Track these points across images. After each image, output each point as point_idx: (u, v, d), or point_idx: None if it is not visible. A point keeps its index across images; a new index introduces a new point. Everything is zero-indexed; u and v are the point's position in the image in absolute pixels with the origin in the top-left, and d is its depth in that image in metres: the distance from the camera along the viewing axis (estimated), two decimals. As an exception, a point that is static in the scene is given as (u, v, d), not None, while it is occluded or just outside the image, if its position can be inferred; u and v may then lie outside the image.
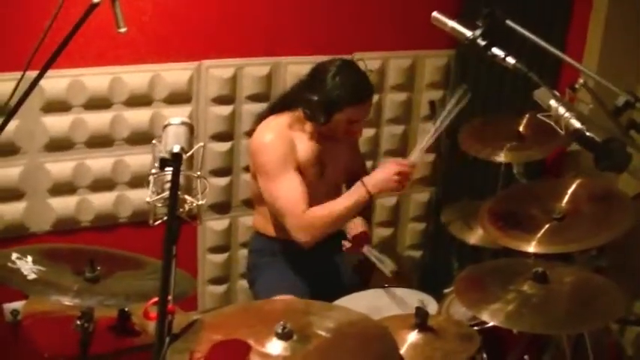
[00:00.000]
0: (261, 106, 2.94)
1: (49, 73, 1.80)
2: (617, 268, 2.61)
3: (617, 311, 2.01)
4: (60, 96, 2.81)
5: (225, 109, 3.09)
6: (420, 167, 3.53)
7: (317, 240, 2.53)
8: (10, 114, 1.84)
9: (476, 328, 2.19)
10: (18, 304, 2.41)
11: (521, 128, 2.96)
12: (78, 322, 1.75)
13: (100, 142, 2.92)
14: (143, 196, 1.56)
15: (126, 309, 1.86)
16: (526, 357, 2.35)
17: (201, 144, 1.63)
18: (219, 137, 3.12)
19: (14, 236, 2.87)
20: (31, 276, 1.72)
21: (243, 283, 3.26)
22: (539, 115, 1.90)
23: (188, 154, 1.52)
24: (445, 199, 3.47)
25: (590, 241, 2.26)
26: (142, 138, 2.95)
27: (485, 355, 2.12)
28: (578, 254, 2.46)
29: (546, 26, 3.25)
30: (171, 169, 1.47)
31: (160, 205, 1.51)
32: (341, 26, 3.19)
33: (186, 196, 1.51)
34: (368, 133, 3.34)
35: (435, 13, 2.00)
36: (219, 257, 3.30)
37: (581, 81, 2.58)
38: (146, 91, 2.94)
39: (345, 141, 2.74)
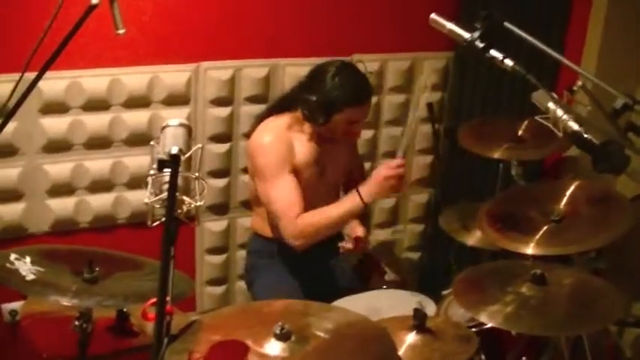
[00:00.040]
0: (259, 108, 2.94)
1: (48, 74, 1.80)
2: (616, 270, 2.62)
3: (615, 313, 2.01)
4: (58, 97, 2.81)
5: (224, 111, 3.09)
6: (417, 168, 3.56)
7: (309, 244, 2.52)
8: (9, 115, 1.84)
9: (474, 329, 2.18)
10: (16, 305, 2.40)
11: (520, 132, 2.97)
12: (76, 323, 1.75)
13: (99, 143, 2.93)
14: (141, 197, 1.56)
15: (124, 310, 1.86)
16: (524, 359, 2.35)
17: (200, 145, 1.63)
18: (217, 139, 3.12)
19: (13, 237, 2.87)
20: (30, 277, 1.73)
21: (242, 284, 3.26)
22: (537, 118, 1.90)
23: (186, 156, 1.52)
24: (444, 200, 3.47)
25: (588, 242, 2.26)
26: (140, 139, 2.95)
27: (483, 357, 2.11)
28: (577, 256, 2.46)
29: (545, 27, 3.26)
30: (169, 170, 1.47)
31: (158, 206, 1.51)
32: (340, 28, 3.19)
33: (185, 198, 1.52)
34: (366, 134, 3.35)
35: (433, 15, 2.00)
36: (218, 258, 3.30)
37: (579, 83, 2.58)
38: (144, 93, 2.94)
39: (344, 142, 2.74)
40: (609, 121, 2.37)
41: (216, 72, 3.03)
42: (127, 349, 1.86)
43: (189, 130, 1.60)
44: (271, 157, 2.55)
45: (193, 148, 1.57)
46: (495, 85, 3.39)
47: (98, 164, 2.95)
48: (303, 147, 2.61)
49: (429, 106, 3.40)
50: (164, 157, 1.49)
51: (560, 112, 1.81)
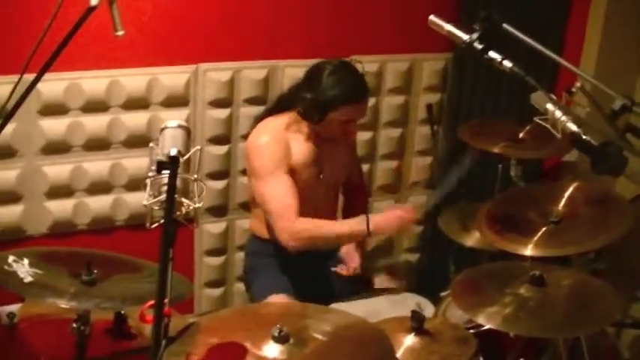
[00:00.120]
0: (258, 110, 2.94)
1: (47, 76, 1.80)
2: (615, 271, 2.62)
3: (614, 315, 2.01)
4: (57, 99, 2.80)
5: (223, 113, 3.09)
6: (416, 169, 3.55)
7: (301, 249, 2.51)
8: (8, 117, 1.84)
9: (472, 331, 2.18)
10: (14, 307, 2.41)
11: (521, 134, 2.97)
12: (74, 325, 1.74)
13: (97, 145, 2.92)
14: (140, 199, 1.56)
15: (122, 312, 1.85)
16: (522, 360, 2.36)
17: (198, 147, 1.63)
18: (216, 140, 3.11)
19: (11, 239, 2.86)
20: (28, 279, 1.72)
21: (240, 286, 3.26)
22: (536, 119, 1.90)
23: (185, 157, 1.52)
24: (443, 202, 3.46)
25: (587, 244, 2.26)
26: (139, 141, 2.95)
27: (481, 359, 2.11)
28: (576, 257, 2.46)
29: (544, 28, 3.26)
30: (168, 172, 1.47)
31: (156, 208, 1.51)
32: (339, 29, 3.19)
33: (183, 199, 1.52)
34: (365, 136, 3.35)
35: (432, 17, 2.00)
36: (216, 260, 3.29)
37: (578, 84, 2.59)
38: (143, 94, 2.93)
39: (343, 142, 2.74)
40: (608, 123, 2.37)
41: (216, 73, 3.03)
42: (125, 352, 1.86)
43: (188, 131, 1.60)
44: (267, 157, 2.55)
45: (192, 150, 1.58)
46: (494, 86, 3.39)
47: (97, 166, 2.94)
48: (300, 147, 2.61)
49: (429, 107, 3.42)
50: (163, 158, 1.49)
51: (558, 114, 1.81)
